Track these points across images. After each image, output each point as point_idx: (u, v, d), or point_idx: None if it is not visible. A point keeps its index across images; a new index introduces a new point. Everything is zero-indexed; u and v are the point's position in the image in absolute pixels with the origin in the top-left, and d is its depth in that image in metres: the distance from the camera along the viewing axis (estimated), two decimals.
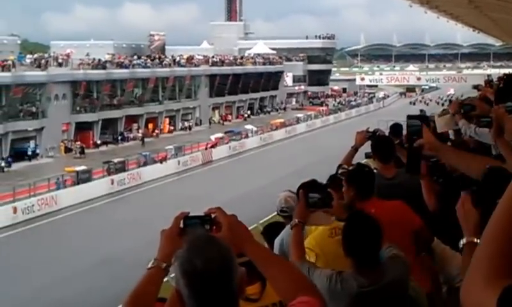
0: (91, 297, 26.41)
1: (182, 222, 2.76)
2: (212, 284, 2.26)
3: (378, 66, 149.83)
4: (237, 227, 2.70)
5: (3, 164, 57.76)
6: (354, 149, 6.43)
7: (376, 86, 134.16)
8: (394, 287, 4.07)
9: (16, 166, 58.32)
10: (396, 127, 8.37)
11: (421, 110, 61.73)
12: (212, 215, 2.74)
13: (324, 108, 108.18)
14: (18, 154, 60.82)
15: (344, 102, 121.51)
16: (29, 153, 62.16)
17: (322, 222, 4.32)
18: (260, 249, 2.73)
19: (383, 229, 4.29)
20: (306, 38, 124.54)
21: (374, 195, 5.35)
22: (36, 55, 67.72)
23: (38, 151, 62.81)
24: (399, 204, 5.35)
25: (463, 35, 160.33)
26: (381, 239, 4.09)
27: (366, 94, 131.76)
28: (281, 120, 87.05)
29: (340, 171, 6.21)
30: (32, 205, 42.38)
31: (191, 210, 2.86)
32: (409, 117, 3.66)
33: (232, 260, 2.32)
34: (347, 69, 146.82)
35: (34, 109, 63.09)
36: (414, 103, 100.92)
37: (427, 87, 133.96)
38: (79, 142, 65.52)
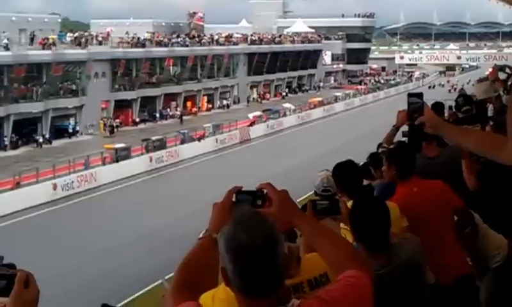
0: (131, 270, 26.64)
1: (234, 196, 2.79)
2: (257, 260, 2.25)
3: (418, 45, 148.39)
4: (287, 202, 2.73)
5: (41, 140, 58.43)
6: (396, 129, 6.33)
7: (415, 64, 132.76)
8: (408, 267, 3.99)
9: (56, 143, 58.97)
10: (437, 106, 8.18)
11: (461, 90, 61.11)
12: (264, 191, 2.76)
13: (363, 87, 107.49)
14: (59, 131, 61.52)
15: (382, 81, 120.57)
16: (69, 130, 62.77)
17: None
18: (311, 222, 2.78)
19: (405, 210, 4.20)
20: (342, 16, 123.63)
21: (415, 174, 5.27)
22: (76, 34, 68.12)
23: (78, 128, 63.37)
24: (439, 183, 5.27)
25: (504, 14, 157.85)
26: (389, 220, 4.00)
27: (405, 73, 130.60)
28: (320, 99, 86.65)
29: (380, 150, 6.12)
30: (72, 182, 42.79)
31: (227, 188, 2.87)
32: (410, 95, 3.57)
33: (277, 236, 2.31)
34: (386, 47, 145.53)
35: (74, 87, 63.57)
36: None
37: (467, 66, 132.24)
38: (109, 120, 65.66)
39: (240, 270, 2.28)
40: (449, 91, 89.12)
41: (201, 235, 2.76)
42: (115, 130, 65.34)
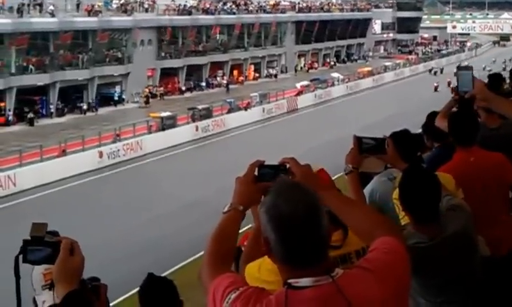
0: (177, 239, 26.86)
1: (256, 170, 2.86)
2: (299, 229, 2.27)
3: (471, 14, 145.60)
4: (310, 177, 2.80)
5: (85, 107, 59.02)
6: (454, 101, 6.20)
7: (468, 34, 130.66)
8: (457, 239, 3.90)
9: (102, 111, 59.51)
10: (495, 77, 7.93)
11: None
12: (287, 166, 2.83)
13: (413, 56, 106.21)
14: (104, 99, 62.04)
15: (434, 51, 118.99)
16: (115, 98, 63.27)
17: (374, 168, 4.29)
18: (336, 195, 2.81)
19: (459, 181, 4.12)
20: None
21: (476, 144, 5.15)
22: (122, 1, 68.39)
23: (124, 96, 63.82)
24: (499, 156, 5.14)
25: None
26: (440, 192, 3.92)
27: (457, 43, 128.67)
28: (369, 68, 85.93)
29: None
30: (118, 150, 43.17)
31: (272, 159, 2.93)
32: (459, 68, 3.47)
33: (318, 206, 2.33)
34: (438, 16, 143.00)
35: (119, 55, 63.99)
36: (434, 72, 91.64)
37: None
38: (147, 89, 65.84)
39: (282, 239, 2.30)
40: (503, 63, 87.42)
41: (225, 209, 2.82)
42: (160, 98, 65.71)
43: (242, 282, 2.51)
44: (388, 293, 2.36)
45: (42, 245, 2.58)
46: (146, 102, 62.73)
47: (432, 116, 6.19)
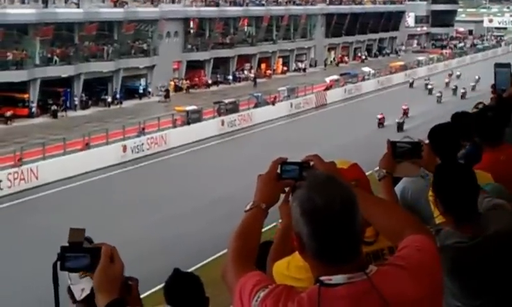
0: (203, 235, 26.97)
1: (279, 167, 2.86)
2: (333, 223, 2.25)
3: (508, 8, 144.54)
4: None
5: (109, 100, 59.24)
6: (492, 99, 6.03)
7: (505, 28, 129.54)
8: (500, 238, 3.75)
9: (126, 104, 59.72)
10: None
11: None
12: (311, 163, 2.84)
13: (448, 51, 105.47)
14: (129, 92, 62.25)
15: (469, 45, 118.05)
16: (140, 91, 63.45)
17: (409, 173, 4.17)
18: (362, 194, 2.71)
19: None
20: None
21: (505, 142, 5.05)
22: None
23: (149, 89, 63.97)
24: None
25: None
26: (477, 188, 3.80)
27: (494, 38, 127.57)
28: (401, 63, 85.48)
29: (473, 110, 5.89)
30: (142, 144, 43.31)
31: (299, 156, 2.95)
32: (497, 65, 3.37)
33: (354, 200, 2.30)
34: (474, 10, 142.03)
35: (145, 47, 64.14)
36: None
37: None
38: (172, 83, 65.86)
39: (315, 234, 2.27)
40: None
41: (248, 207, 2.83)
42: (185, 91, 65.83)
43: (269, 280, 2.50)
44: (422, 292, 2.35)
45: (81, 252, 2.54)
46: (166, 96, 62.66)
47: (457, 117, 6.05)
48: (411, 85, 74.04)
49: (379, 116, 50.77)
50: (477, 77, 67.12)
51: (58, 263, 2.52)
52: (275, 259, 3.20)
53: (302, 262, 2.52)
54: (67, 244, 2.55)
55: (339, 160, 3.21)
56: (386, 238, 2.88)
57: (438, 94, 62.98)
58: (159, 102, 60.81)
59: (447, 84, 71.44)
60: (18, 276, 23.62)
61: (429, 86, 69.15)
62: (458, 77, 77.65)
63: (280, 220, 3.25)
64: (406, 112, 52.84)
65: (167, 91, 63.43)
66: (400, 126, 47.97)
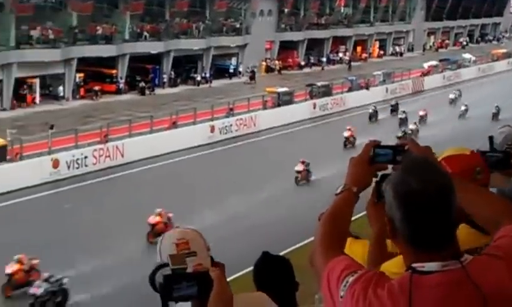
0: (292, 219, 26.67)
1: (372, 150, 2.85)
2: (428, 207, 2.22)
3: None
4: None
5: (198, 78, 59.20)
6: None
7: None
8: None
9: (216, 83, 59.61)
10: None
11: None
12: (405, 147, 2.83)
13: None
14: (219, 71, 62.13)
15: None
16: (230, 70, 63.27)
17: (500, 184, 3.85)
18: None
19: None
20: None
21: None
22: None
23: (239, 69, 63.74)
24: None
25: None
26: None
27: None
28: (504, 50, 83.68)
29: None
30: (230, 125, 43.14)
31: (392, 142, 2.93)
32: None
33: (451, 187, 2.27)
34: None
35: (237, 25, 63.85)
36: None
37: None
38: (264, 63, 65.47)
39: (408, 218, 2.26)
40: None
41: (338, 190, 2.80)
42: (277, 72, 65.45)
43: (359, 265, 2.46)
44: None
45: (188, 280, 2.43)
46: (252, 78, 61.91)
47: None
48: None
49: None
50: None
51: (161, 289, 2.41)
52: (373, 266, 3.09)
53: (397, 268, 2.57)
54: (169, 272, 2.47)
55: (458, 147, 3.31)
56: (484, 226, 2.85)
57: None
58: (244, 84, 60.47)
59: None
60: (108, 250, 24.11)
61: None
62: None
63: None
64: None
65: (252, 72, 62.83)
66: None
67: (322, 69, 69.92)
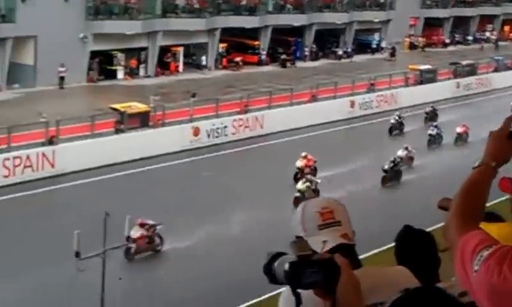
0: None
1: None
2: None
3: None
4: None
5: (340, 53, 59.00)
6: None
7: None
8: None
9: (357, 58, 59.27)
10: None
11: None
12: None
13: None
14: (361, 46, 61.75)
15: None
16: (373, 46, 62.74)
17: None
18: None
19: None
20: None
21: None
22: None
23: (382, 44, 63.06)
24: None
25: None
26: None
27: None
28: None
29: None
30: (371, 101, 42.93)
31: None
32: None
33: None
34: None
35: (382, 0, 63.11)
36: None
37: None
38: (407, 39, 64.41)
39: None
40: None
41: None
42: (421, 49, 64.35)
43: (494, 240, 2.35)
44: None
45: (313, 267, 2.36)
46: (392, 55, 61.16)
47: None
48: None
49: None
50: None
51: (287, 277, 2.34)
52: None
53: None
54: (295, 259, 2.37)
55: None
56: None
57: None
58: (384, 60, 59.75)
59: None
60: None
61: None
62: None
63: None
64: None
65: (393, 49, 62.00)
66: None
67: (482, 48, 67.99)
